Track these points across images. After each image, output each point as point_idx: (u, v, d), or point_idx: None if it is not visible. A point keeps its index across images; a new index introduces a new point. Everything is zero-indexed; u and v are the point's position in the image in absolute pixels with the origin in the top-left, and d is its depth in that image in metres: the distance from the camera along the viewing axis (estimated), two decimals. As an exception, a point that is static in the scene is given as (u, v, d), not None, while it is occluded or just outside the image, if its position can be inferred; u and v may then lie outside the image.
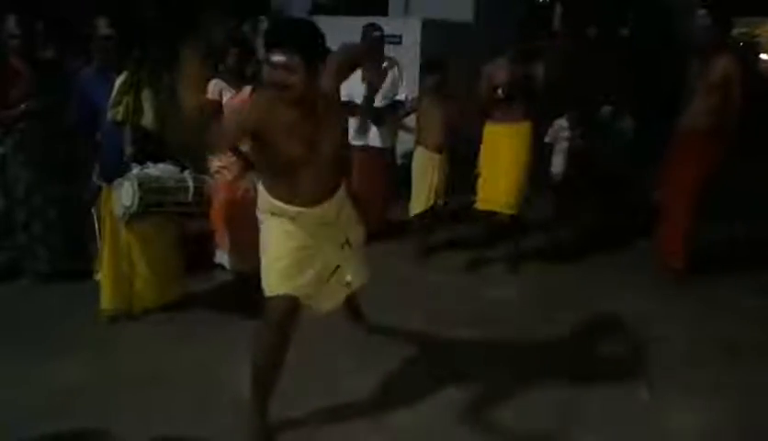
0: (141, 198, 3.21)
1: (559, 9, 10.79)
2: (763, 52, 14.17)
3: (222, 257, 4.12)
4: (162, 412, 2.86)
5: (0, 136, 3.86)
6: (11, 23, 3.82)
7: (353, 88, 4.57)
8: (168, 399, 2.96)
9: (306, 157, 2.42)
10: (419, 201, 4.73)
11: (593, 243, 5.21)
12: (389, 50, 5.32)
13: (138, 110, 3.51)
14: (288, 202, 2.50)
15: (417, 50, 6.75)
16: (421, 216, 4.78)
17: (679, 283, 4.38)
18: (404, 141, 5.34)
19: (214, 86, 3.95)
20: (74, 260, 4.08)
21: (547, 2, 11.38)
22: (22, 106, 3.83)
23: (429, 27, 7.01)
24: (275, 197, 2.52)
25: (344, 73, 2.70)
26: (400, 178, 5.17)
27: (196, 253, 4.16)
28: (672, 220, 4.41)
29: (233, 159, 3.90)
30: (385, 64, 4.96)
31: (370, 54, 2.73)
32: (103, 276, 3.64)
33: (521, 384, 3.17)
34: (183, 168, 3.46)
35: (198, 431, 2.76)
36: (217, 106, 3.91)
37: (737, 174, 4.99)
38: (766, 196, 6.14)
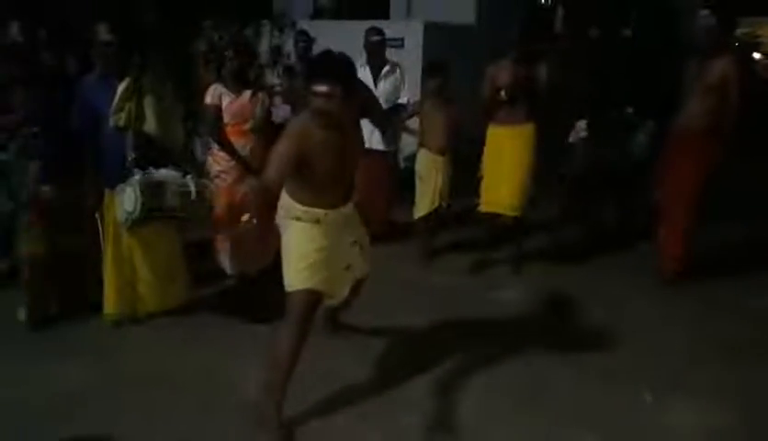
0: (143, 204, 3.22)
1: (560, 11, 10.77)
2: (757, 52, 14.09)
3: (224, 262, 4.12)
4: (166, 416, 2.87)
5: (4, 141, 3.87)
6: (14, 29, 3.83)
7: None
8: (172, 402, 2.97)
9: (337, 170, 2.73)
10: (423, 204, 4.73)
11: (597, 244, 5.20)
12: (391, 54, 5.33)
13: (140, 116, 3.51)
14: (313, 205, 2.76)
15: (419, 53, 6.76)
16: (425, 218, 4.78)
17: (679, 284, 4.35)
18: (408, 143, 5.34)
19: (214, 91, 3.96)
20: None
21: (549, 4, 11.36)
22: (22, 112, 3.84)
23: (431, 30, 7.02)
24: (299, 201, 2.77)
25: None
26: (403, 181, 5.18)
27: (198, 257, 4.17)
28: (671, 222, 4.37)
29: (232, 164, 3.92)
30: (386, 68, 4.97)
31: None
32: (106, 281, 3.65)
33: (523, 385, 3.18)
34: (185, 173, 3.46)
35: (203, 434, 2.77)
36: (217, 110, 3.92)
37: (736, 174, 4.97)
38: (765, 196, 6.12)
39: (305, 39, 5.43)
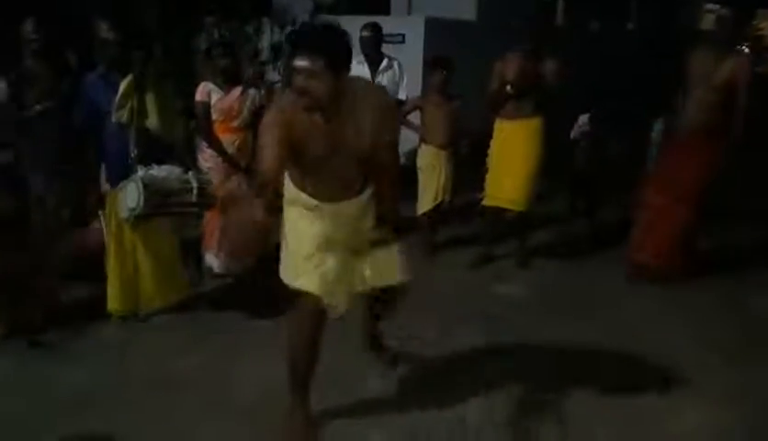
0: (145, 200, 3.21)
1: (561, 4, 10.74)
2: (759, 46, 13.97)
3: (211, 260, 4.11)
4: (167, 416, 2.85)
5: (13, 138, 3.86)
6: (29, 25, 3.84)
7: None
8: (174, 402, 2.95)
9: (327, 158, 2.41)
10: (426, 199, 4.73)
11: (603, 240, 5.17)
12: (392, 50, 5.31)
13: (142, 112, 3.51)
14: (303, 192, 2.53)
15: (420, 48, 6.75)
16: (428, 213, 4.76)
17: (683, 283, 4.27)
18: (409, 139, 5.33)
19: (203, 88, 3.98)
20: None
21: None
22: (38, 106, 3.85)
23: (432, 25, 7.00)
24: (296, 186, 2.55)
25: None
26: (405, 176, 5.15)
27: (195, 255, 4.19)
28: (671, 223, 4.23)
29: (220, 159, 3.93)
30: (384, 63, 4.94)
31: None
32: (110, 277, 3.65)
33: (527, 383, 3.14)
34: (187, 169, 3.47)
35: (205, 434, 2.75)
36: (205, 107, 3.94)
37: (736, 174, 4.93)
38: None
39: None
